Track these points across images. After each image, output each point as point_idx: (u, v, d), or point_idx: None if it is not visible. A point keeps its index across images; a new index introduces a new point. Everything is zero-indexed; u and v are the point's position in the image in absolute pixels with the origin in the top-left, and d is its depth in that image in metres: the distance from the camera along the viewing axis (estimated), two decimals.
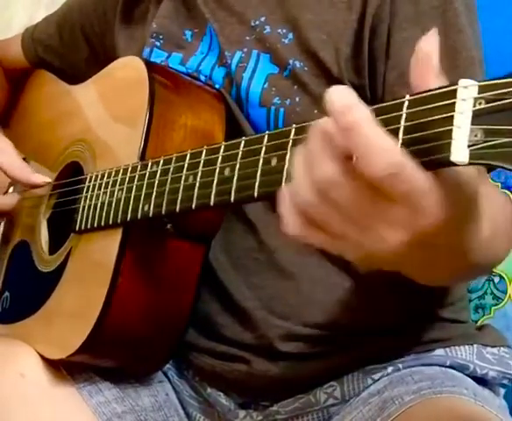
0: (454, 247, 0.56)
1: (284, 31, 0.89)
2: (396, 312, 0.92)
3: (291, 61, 0.88)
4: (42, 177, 1.00)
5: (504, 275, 1.15)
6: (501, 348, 0.95)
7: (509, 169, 0.46)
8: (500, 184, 1.19)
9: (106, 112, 0.96)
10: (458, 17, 0.83)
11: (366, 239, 0.52)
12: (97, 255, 0.87)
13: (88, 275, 0.88)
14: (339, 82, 0.85)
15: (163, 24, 0.99)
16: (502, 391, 0.97)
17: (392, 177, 0.48)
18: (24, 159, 1.07)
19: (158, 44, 0.99)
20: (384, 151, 0.48)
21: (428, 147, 0.49)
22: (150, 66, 0.90)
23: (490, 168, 0.77)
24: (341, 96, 0.49)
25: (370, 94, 0.85)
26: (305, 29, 0.88)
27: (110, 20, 1.09)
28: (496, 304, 1.14)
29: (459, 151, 0.48)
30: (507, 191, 1.19)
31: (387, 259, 0.54)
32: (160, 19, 1.00)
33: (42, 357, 0.90)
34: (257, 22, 0.91)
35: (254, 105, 0.89)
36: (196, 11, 0.97)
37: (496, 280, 1.15)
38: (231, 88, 0.92)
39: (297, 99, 0.87)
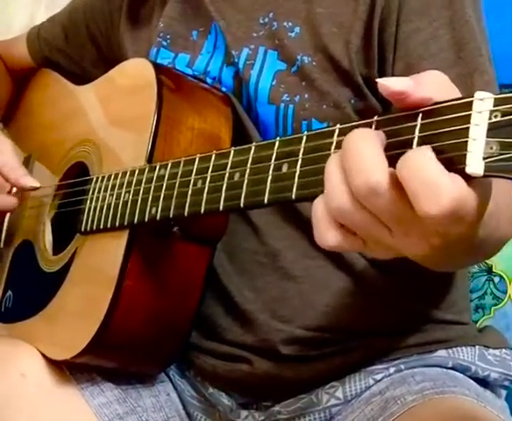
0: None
1: (290, 24, 0.89)
2: (398, 314, 0.92)
3: (299, 57, 0.88)
4: (32, 181, 0.98)
5: (504, 275, 1.15)
6: (503, 350, 0.96)
7: None
8: None
9: (113, 113, 0.95)
10: (465, 9, 0.83)
11: (400, 243, 0.52)
12: (103, 256, 0.87)
13: (94, 276, 0.88)
14: (349, 74, 0.86)
15: (170, 24, 0.99)
16: (504, 393, 0.97)
17: (450, 215, 0.48)
18: (29, 155, 1.07)
19: (165, 44, 0.99)
20: (441, 190, 0.48)
21: (442, 159, 0.49)
22: (158, 68, 0.90)
23: None
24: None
25: None
26: (316, 23, 0.88)
27: (115, 20, 1.09)
28: (496, 304, 1.15)
29: (475, 163, 0.48)
30: None
31: (413, 256, 0.54)
32: (166, 19, 1.00)
33: (44, 357, 0.90)
34: (266, 19, 0.91)
35: (263, 103, 0.89)
36: (202, 10, 0.96)
37: (496, 280, 1.15)
38: (241, 86, 0.92)
39: (306, 95, 0.87)
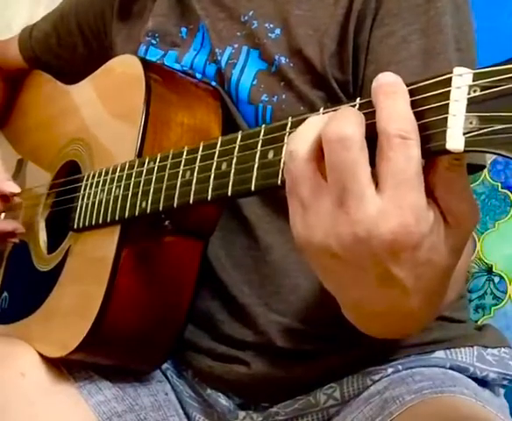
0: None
1: (271, 26, 0.89)
2: None
3: (277, 57, 0.88)
4: (13, 187, 1.00)
5: (504, 275, 1.15)
6: (502, 349, 0.95)
7: (505, 156, 0.46)
8: (500, 184, 1.19)
9: (103, 111, 0.96)
10: (441, 17, 0.82)
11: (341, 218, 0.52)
12: (96, 253, 0.87)
13: (87, 273, 0.88)
14: (323, 78, 0.86)
15: (158, 22, 1.00)
16: (502, 391, 0.96)
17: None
18: (22, 158, 1.07)
19: (154, 42, 0.99)
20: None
21: (423, 136, 0.49)
22: (146, 64, 0.90)
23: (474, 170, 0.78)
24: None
25: (353, 90, 0.85)
26: (293, 25, 0.88)
27: (107, 19, 1.09)
28: (496, 304, 1.14)
29: (455, 139, 0.48)
30: (507, 191, 1.19)
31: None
32: (155, 17, 1.00)
33: (42, 356, 0.90)
34: (246, 17, 0.92)
35: (243, 102, 0.89)
36: (190, 8, 0.97)
37: (496, 280, 1.15)
38: (223, 84, 0.92)
39: (283, 96, 0.87)
